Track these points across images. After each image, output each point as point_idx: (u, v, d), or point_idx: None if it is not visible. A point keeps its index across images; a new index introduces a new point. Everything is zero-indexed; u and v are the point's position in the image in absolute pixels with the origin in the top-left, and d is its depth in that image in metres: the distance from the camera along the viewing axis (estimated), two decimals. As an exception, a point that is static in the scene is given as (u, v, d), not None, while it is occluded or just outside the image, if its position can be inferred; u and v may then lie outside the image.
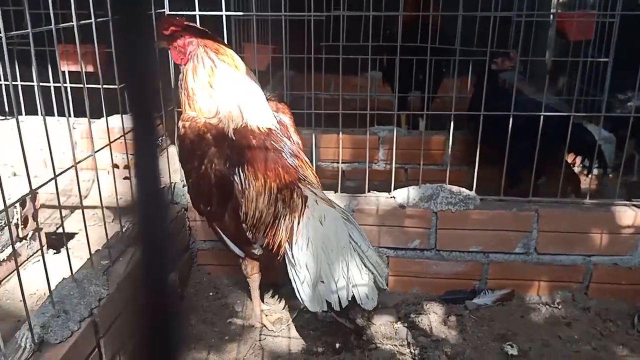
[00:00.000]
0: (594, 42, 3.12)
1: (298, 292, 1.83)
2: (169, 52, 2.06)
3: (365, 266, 1.88)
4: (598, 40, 3.18)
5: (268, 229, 1.95)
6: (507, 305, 2.39)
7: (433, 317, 2.31)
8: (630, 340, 2.18)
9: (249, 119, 1.96)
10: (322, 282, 1.83)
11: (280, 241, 1.92)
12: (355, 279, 1.84)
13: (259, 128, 1.97)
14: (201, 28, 2.06)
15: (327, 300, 1.82)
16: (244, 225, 1.96)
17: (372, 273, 1.89)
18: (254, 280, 2.17)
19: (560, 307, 2.38)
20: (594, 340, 2.17)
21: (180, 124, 1.96)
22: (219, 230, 2.03)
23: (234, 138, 1.94)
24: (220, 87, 1.95)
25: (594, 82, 3.26)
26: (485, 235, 2.40)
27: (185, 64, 1.98)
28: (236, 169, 1.92)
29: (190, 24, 2.02)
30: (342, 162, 2.89)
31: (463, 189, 2.45)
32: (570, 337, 2.19)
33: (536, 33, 3.85)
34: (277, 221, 1.94)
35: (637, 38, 2.40)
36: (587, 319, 2.31)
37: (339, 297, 1.82)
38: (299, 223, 1.90)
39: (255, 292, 2.20)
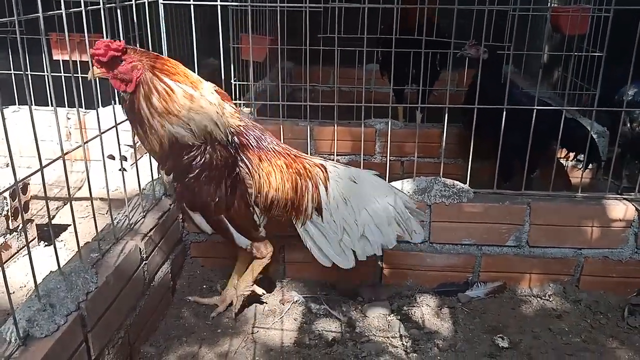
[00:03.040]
0: (588, 37, 3.13)
1: (327, 255, 2.03)
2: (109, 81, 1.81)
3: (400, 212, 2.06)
4: (593, 35, 3.19)
5: (289, 205, 2.01)
6: (499, 297, 2.41)
7: (426, 310, 2.33)
8: (620, 332, 2.20)
9: (227, 121, 1.92)
10: (366, 237, 2.01)
11: (305, 212, 2.01)
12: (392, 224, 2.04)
13: (239, 126, 1.96)
14: (141, 49, 1.85)
15: (366, 253, 2.03)
16: (253, 208, 1.99)
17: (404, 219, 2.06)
18: (267, 260, 2.15)
19: (551, 299, 2.41)
20: (584, 333, 2.19)
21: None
22: (226, 221, 2.00)
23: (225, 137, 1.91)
24: (183, 110, 1.78)
25: (588, 76, 3.27)
26: (478, 228, 2.41)
27: (131, 91, 1.78)
28: (239, 155, 1.93)
29: (128, 46, 1.79)
30: (339, 155, 2.89)
31: (457, 182, 2.46)
32: (561, 329, 2.21)
33: (532, 27, 3.86)
34: (299, 194, 2.01)
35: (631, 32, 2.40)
36: (577, 311, 2.33)
37: (376, 246, 2.03)
38: (326, 188, 2.03)
39: (258, 270, 2.16)
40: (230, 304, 2.26)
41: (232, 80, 3.08)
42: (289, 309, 2.31)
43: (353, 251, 2.04)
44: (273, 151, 2.02)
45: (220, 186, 1.92)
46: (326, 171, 2.08)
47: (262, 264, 2.16)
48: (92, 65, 1.78)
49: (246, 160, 1.94)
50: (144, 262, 2.06)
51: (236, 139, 1.93)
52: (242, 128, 1.96)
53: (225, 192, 1.93)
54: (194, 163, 1.87)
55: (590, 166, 3.03)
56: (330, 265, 2.06)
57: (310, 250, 2.07)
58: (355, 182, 2.07)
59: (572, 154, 3.08)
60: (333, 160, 2.62)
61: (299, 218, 2.05)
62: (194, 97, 1.81)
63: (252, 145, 1.97)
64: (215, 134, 1.86)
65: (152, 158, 2.10)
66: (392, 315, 2.29)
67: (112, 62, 1.74)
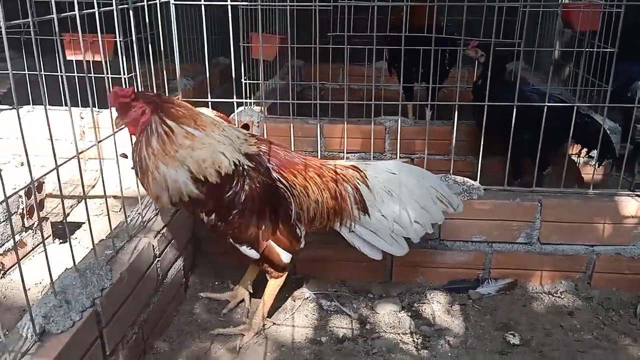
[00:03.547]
0: (599, 33, 3.11)
1: (379, 248, 2.07)
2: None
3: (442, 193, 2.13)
4: (604, 31, 3.16)
5: (331, 213, 2.03)
6: (510, 294, 2.41)
7: (436, 307, 2.33)
8: (633, 329, 2.19)
9: (245, 139, 1.93)
10: (416, 221, 2.06)
11: (350, 216, 2.03)
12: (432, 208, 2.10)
13: (255, 138, 1.98)
14: (156, 94, 1.89)
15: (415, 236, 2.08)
16: (295, 224, 1.99)
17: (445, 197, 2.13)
18: (283, 280, 2.12)
19: (562, 296, 2.40)
20: (596, 330, 2.19)
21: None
22: (274, 246, 1.97)
23: (251, 153, 1.91)
24: (181, 150, 1.77)
25: (599, 73, 3.25)
26: (488, 225, 2.41)
27: (138, 136, 1.81)
28: (274, 175, 1.94)
29: (141, 92, 1.83)
30: (349, 152, 2.90)
31: (467, 179, 2.46)
32: (573, 326, 2.21)
33: (542, 23, 3.83)
34: (341, 200, 2.03)
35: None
36: (589, 308, 2.32)
37: (427, 226, 2.09)
38: (368, 186, 2.05)
39: (274, 293, 2.13)
40: (242, 301, 2.28)
41: (243, 79, 3.10)
42: (300, 305, 2.32)
43: (405, 238, 2.08)
44: (302, 164, 2.02)
45: (265, 214, 1.92)
46: (361, 170, 2.09)
47: (280, 282, 2.11)
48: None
49: (282, 179, 1.95)
50: (157, 259, 2.09)
51: (267, 159, 1.93)
52: (268, 149, 1.97)
53: (270, 218, 1.92)
54: (236, 199, 1.85)
55: (604, 162, 3.01)
56: (381, 257, 2.10)
57: (359, 249, 2.08)
58: (393, 172, 2.09)
59: (585, 150, 3.06)
60: (343, 158, 2.63)
61: (343, 223, 2.06)
62: (196, 136, 1.78)
63: (282, 163, 1.97)
64: (223, 165, 1.81)
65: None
66: (403, 312, 2.29)
67: (124, 108, 1.78)
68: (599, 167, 2.94)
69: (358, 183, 2.06)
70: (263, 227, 1.92)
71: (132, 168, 2.07)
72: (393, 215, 2.06)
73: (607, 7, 3.06)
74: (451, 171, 2.50)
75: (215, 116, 1.96)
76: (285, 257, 2.01)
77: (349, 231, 2.07)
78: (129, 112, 1.78)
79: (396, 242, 2.08)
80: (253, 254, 1.98)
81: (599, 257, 2.41)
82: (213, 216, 1.89)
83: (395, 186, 2.07)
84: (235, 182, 1.84)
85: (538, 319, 2.26)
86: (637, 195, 2.42)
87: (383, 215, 2.06)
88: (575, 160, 3.23)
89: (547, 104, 2.39)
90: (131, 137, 2.05)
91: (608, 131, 3.19)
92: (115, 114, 1.83)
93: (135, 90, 1.81)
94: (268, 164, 1.94)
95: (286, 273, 2.11)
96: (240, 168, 1.86)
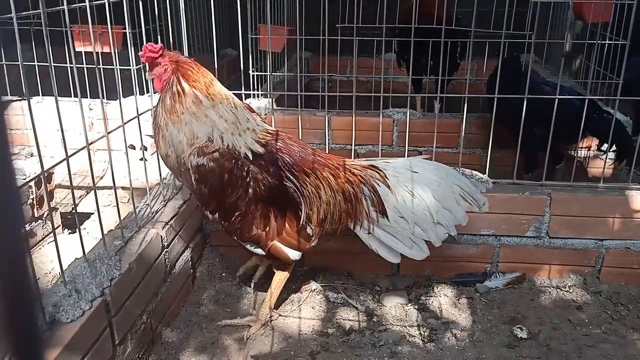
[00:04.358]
0: (611, 25, 3.07)
1: (398, 251, 2.01)
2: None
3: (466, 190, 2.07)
4: (616, 23, 3.12)
5: (343, 216, 1.97)
6: (517, 288, 2.40)
7: (443, 300, 2.33)
8: (641, 324, 2.18)
9: (253, 128, 1.90)
10: (439, 223, 2.00)
11: (368, 218, 1.97)
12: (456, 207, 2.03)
13: (268, 132, 1.93)
14: (178, 53, 1.93)
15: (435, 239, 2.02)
16: (305, 224, 1.93)
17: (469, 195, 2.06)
18: (289, 272, 2.11)
19: (571, 290, 2.39)
20: (605, 324, 2.18)
21: (200, 160, 1.77)
22: (280, 245, 1.93)
23: (259, 151, 1.86)
24: (186, 113, 1.81)
25: (611, 65, 3.21)
26: (497, 219, 2.40)
27: (159, 90, 1.89)
28: (284, 174, 1.88)
29: (169, 51, 1.89)
30: (357, 145, 2.89)
31: (476, 172, 2.45)
32: (581, 320, 2.20)
33: (553, 15, 3.79)
34: (356, 202, 1.96)
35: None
36: (598, 302, 2.31)
37: (450, 228, 2.03)
38: (388, 187, 1.98)
39: (281, 285, 2.12)
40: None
41: (251, 71, 3.09)
42: (307, 297, 2.33)
43: (426, 240, 2.02)
44: (317, 163, 1.96)
45: (270, 216, 1.88)
46: (380, 170, 2.01)
47: (286, 275, 2.09)
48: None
49: (292, 178, 1.89)
50: (165, 249, 2.10)
51: (279, 156, 1.89)
52: (280, 144, 1.91)
53: (275, 220, 1.89)
54: (239, 202, 1.82)
55: (623, 161, 2.97)
56: (399, 261, 2.05)
57: (376, 252, 2.03)
58: (415, 171, 2.01)
59: (594, 144, 3.04)
60: (350, 150, 2.62)
61: (361, 225, 2.00)
62: (203, 104, 1.81)
63: (295, 161, 1.91)
64: (215, 144, 1.80)
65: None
66: (410, 304, 2.29)
67: (152, 63, 1.86)
68: (619, 164, 2.90)
69: (377, 184, 1.98)
70: (267, 229, 1.89)
71: (140, 159, 2.08)
72: (414, 218, 1.98)
73: (619, -1, 3.02)
74: (460, 164, 2.48)
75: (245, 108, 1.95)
76: (293, 254, 1.98)
77: (367, 233, 2.01)
78: (155, 67, 1.87)
79: (416, 245, 2.01)
80: (259, 252, 1.98)
81: (608, 252, 2.39)
82: (217, 215, 1.89)
83: (417, 186, 1.98)
84: (238, 183, 1.80)
85: (546, 313, 2.25)
86: (647, 189, 2.40)
87: (403, 218, 1.98)
88: (586, 154, 3.20)
89: (559, 96, 2.36)
90: (140, 127, 2.06)
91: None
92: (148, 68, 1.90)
93: (163, 47, 1.87)
94: (278, 162, 1.88)
95: (293, 265, 2.10)
96: (244, 167, 1.80)
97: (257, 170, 1.83)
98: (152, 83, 1.94)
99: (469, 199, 2.04)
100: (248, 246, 1.97)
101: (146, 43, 1.88)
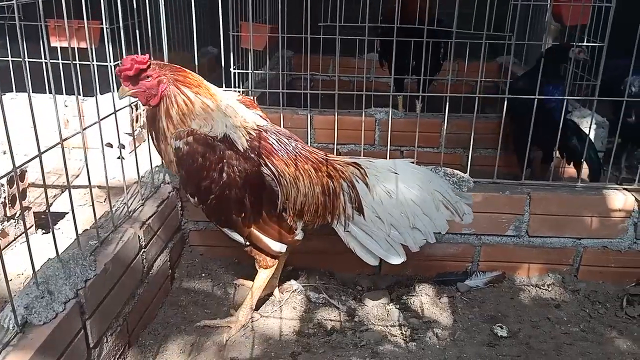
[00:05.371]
0: (589, 27, 3.12)
1: (375, 253, 1.98)
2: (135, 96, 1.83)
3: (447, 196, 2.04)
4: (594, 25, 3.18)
5: (321, 209, 1.96)
6: (498, 287, 2.42)
7: (425, 299, 2.33)
8: (619, 322, 2.21)
9: (245, 123, 1.90)
10: (416, 227, 1.97)
11: (344, 214, 1.96)
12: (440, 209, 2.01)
13: (258, 126, 1.93)
14: (163, 63, 1.89)
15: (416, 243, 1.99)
16: (283, 215, 1.93)
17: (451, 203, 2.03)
18: (272, 270, 2.09)
19: (550, 289, 2.41)
20: (583, 322, 2.20)
21: (179, 143, 1.78)
22: (259, 234, 1.93)
23: (245, 137, 1.86)
24: (197, 119, 1.81)
25: (588, 67, 3.27)
26: (477, 218, 2.39)
27: (155, 105, 1.82)
28: (261, 161, 1.87)
29: (153, 61, 1.82)
30: (339, 144, 2.88)
31: (457, 171, 2.45)
32: (560, 318, 2.22)
33: (533, 17, 3.84)
34: (333, 197, 1.96)
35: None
36: (576, 301, 2.34)
37: (429, 235, 2.00)
38: (367, 185, 1.96)
39: (263, 285, 2.09)
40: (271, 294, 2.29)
41: (232, 69, 3.06)
42: (288, 298, 2.30)
43: (403, 245, 1.99)
44: (299, 155, 1.95)
45: (244, 202, 1.86)
46: (361, 167, 2.00)
47: (269, 272, 2.07)
48: (122, 84, 1.80)
49: (271, 167, 1.88)
50: (143, 250, 2.06)
51: (257, 143, 1.88)
52: (263, 133, 1.91)
53: (250, 206, 1.87)
54: (212, 185, 1.82)
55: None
56: (378, 264, 2.01)
57: (353, 251, 2.00)
58: (395, 172, 1.99)
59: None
60: (333, 149, 2.61)
61: (337, 221, 1.98)
62: (210, 107, 1.82)
63: (275, 151, 1.91)
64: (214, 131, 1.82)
65: (153, 149, 2.07)
66: (392, 304, 2.29)
67: (137, 76, 1.77)
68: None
69: (356, 180, 1.97)
70: (242, 215, 1.89)
71: (118, 158, 2.04)
72: (390, 219, 1.96)
73: (597, 2, 3.07)
74: (441, 163, 2.48)
75: (238, 100, 1.97)
76: (275, 246, 1.97)
77: (344, 230, 2.00)
78: (141, 80, 1.77)
79: (392, 248, 1.98)
80: (237, 237, 1.98)
81: (586, 250, 2.42)
82: (195, 199, 1.90)
83: (395, 187, 1.96)
84: (212, 167, 1.81)
85: (525, 311, 2.27)
86: (624, 188, 2.44)
87: (379, 217, 1.96)
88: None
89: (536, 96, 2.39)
90: (117, 125, 2.02)
91: (595, 125, 3.21)
92: (125, 83, 1.79)
93: (151, 58, 1.80)
94: (257, 150, 1.88)
95: (276, 264, 2.08)
96: (217, 151, 1.81)
97: (233, 156, 1.82)
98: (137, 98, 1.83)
99: (450, 207, 2.01)
100: (226, 230, 1.97)
101: (125, 55, 1.79)
